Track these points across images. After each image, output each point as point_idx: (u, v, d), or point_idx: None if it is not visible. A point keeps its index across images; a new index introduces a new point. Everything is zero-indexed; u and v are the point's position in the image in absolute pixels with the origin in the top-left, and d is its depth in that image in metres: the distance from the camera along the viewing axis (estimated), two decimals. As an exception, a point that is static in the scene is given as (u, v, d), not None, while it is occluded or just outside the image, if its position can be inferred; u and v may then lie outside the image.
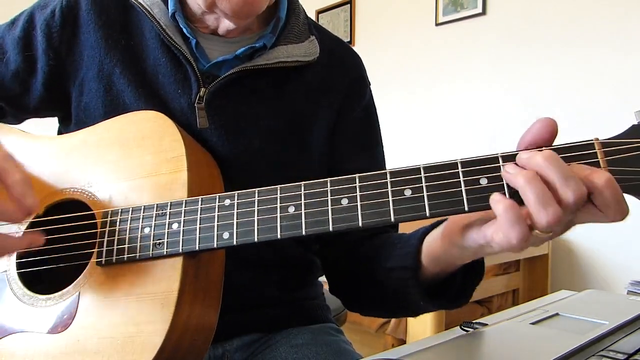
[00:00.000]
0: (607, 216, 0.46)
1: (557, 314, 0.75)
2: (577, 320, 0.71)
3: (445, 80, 3.06)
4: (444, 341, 0.63)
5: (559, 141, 0.49)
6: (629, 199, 0.46)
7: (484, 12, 2.87)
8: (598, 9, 2.43)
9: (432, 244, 0.62)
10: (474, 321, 0.70)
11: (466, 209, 0.49)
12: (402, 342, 2.08)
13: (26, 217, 0.57)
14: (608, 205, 0.45)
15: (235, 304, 0.76)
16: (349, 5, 3.63)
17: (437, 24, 3.09)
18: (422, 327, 1.98)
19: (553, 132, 0.48)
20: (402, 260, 0.65)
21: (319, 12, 3.85)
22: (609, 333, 0.64)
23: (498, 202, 0.46)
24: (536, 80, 2.65)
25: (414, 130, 3.21)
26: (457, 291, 0.66)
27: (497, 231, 0.48)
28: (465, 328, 0.68)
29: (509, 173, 0.47)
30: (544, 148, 0.48)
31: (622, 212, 0.45)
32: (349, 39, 3.55)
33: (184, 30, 0.74)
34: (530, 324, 0.70)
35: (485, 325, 0.69)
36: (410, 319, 2.05)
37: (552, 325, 0.70)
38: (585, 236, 2.49)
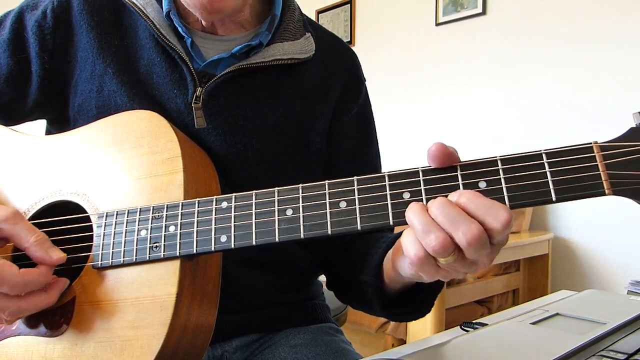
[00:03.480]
0: (490, 230, 0.46)
1: (557, 314, 0.74)
2: (577, 320, 0.71)
3: (445, 80, 3.06)
4: (444, 341, 0.63)
5: (558, 142, 0.50)
6: (628, 202, 0.46)
7: (484, 12, 2.87)
8: (598, 9, 2.43)
9: (387, 266, 0.65)
10: (474, 321, 0.70)
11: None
12: (402, 342, 2.08)
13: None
14: (482, 220, 0.46)
15: (235, 305, 0.76)
16: (349, 5, 3.63)
17: (437, 24, 3.09)
18: (422, 327, 1.98)
19: (442, 157, 0.50)
20: (367, 274, 0.68)
21: (319, 12, 3.85)
22: (609, 333, 0.64)
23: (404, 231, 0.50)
24: (536, 80, 2.65)
25: (414, 130, 3.21)
26: (415, 306, 0.68)
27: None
28: (465, 328, 0.68)
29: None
30: (542, 151, 0.48)
31: (496, 220, 0.46)
32: (349, 39, 3.55)
33: (179, 29, 0.74)
34: (530, 324, 0.70)
35: (485, 325, 0.69)
36: (410, 319, 2.05)
37: (552, 325, 0.70)
38: (585, 236, 2.49)
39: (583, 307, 0.78)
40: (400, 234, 0.59)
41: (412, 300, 0.67)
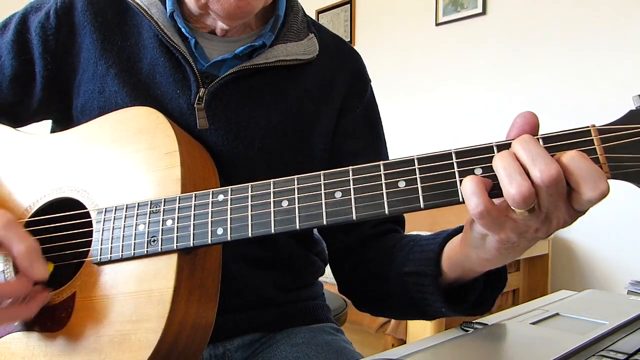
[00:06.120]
0: (583, 194, 0.45)
1: (557, 314, 0.74)
2: (577, 320, 0.71)
3: (445, 80, 3.06)
4: (444, 341, 0.62)
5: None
6: (628, 202, 0.46)
7: (484, 12, 2.87)
8: (598, 9, 2.43)
9: (453, 249, 0.62)
10: (474, 321, 0.69)
11: (461, 199, 0.48)
12: (402, 342, 2.08)
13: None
14: (578, 182, 0.44)
15: (236, 304, 0.76)
16: (349, 5, 3.63)
17: (437, 24, 3.09)
18: (422, 327, 1.98)
19: (532, 124, 0.48)
20: (421, 265, 0.64)
21: (319, 12, 3.85)
22: (609, 333, 0.63)
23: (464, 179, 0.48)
24: (536, 80, 2.65)
25: (414, 130, 3.21)
26: (477, 298, 0.65)
27: None
28: (465, 328, 0.68)
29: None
30: (539, 136, 0.47)
31: (595, 189, 0.44)
32: (349, 39, 3.55)
33: (183, 30, 0.74)
34: (530, 324, 0.69)
35: (485, 325, 0.69)
36: (410, 319, 2.05)
37: (552, 325, 0.70)
38: (585, 236, 2.49)
39: (583, 307, 0.78)
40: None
41: (468, 295, 0.65)
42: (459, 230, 0.62)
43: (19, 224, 0.59)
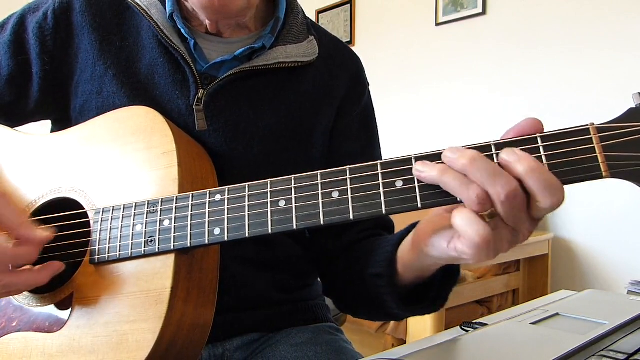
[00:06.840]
0: (540, 203, 0.45)
1: (557, 314, 0.74)
2: (577, 320, 0.71)
3: (445, 80, 3.05)
4: (444, 341, 0.63)
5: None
6: (628, 202, 0.46)
7: (484, 12, 2.87)
8: (598, 9, 2.43)
9: (404, 252, 0.62)
10: (474, 321, 0.69)
11: (459, 199, 0.48)
12: (402, 342, 2.08)
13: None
14: (536, 193, 0.44)
15: (236, 304, 0.76)
16: (349, 5, 3.63)
17: (437, 24, 3.09)
18: (422, 327, 1.98)
19: (535, 129, 0.48)
20: (378, 267, 0.65)
21: (319, 12, 3.85)
22: (609, 333, 0.64)
23: (454, 212, 0.47)
24: (536, 80, 2.65)
25: (414, 130, 3.21)
26: (433, 297, 0.65)
27: (460, 239, 0.48)
28: (465, 328, 0.68)
29: (420, 171, 0.48)
30: (537, 135, 0.47)
31: (552, 198, 0.44)
32: (349, 39, 3.55)
33: (182, 30, 0.74)
34: (530, 324, 0.69)
35: (485, 325, 0.69)
36: (410, 319, 2.05)
37: (552, 325, 0.70)
38: (585, 236, 2.49)
39: (583, 307, 0.78)
40: (415, 224, 0.59)
41: (427, 294, 0.65)
42: (410, 228, 0.62)
43: (8, 199, 0.58)
